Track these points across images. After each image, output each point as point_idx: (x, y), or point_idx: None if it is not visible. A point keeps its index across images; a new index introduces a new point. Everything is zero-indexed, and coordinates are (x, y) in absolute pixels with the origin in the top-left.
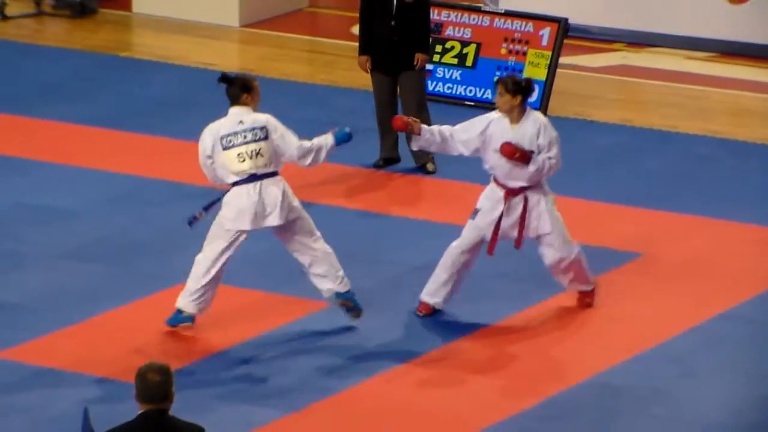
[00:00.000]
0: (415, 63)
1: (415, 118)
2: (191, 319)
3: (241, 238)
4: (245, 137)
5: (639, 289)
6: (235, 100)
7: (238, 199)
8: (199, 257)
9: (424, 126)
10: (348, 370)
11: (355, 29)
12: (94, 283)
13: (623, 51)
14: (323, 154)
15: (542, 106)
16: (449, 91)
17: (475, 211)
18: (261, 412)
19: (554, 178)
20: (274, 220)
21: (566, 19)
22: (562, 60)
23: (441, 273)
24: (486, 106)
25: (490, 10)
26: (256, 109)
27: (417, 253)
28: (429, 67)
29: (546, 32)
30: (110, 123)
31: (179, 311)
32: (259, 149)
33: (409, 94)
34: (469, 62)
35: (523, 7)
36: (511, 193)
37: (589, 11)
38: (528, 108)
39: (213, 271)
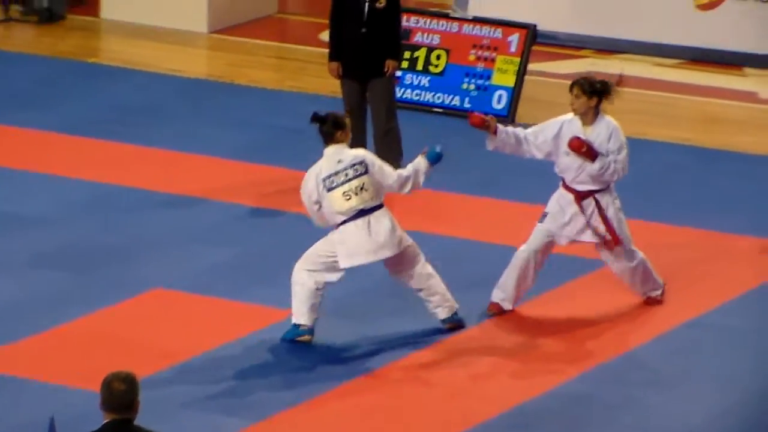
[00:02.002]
0: (385, 70)
1: (492, 116)
2: (310, 331)
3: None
4: (347, 175)
5: (607, 297)
6: (329, 139)
7: (351, 237)
8: (302, 279)
9: (500, 126)
10: (314, 379)
11: (324, 35)
12: (61, 290)
13: (591, 57)
14: (421, 179)
15: (510, 113)
16: (417, 97)
17: (544, 215)
18: (227, 421)
19: (522, 185)
20: (387, 252)
21: (535, 26)
22: (531, 66)
23: (509, 275)
24: (454, 113)
25: (459, 16)
26: (349, 145)
27: (381, 262)
28: (398, 73)
29: (514, 39)
30: (78, 130)
31: (296, 325)
32: (363, 184)
33: (379, 101)
34: (438, 69)
35: (492, 13)
36: (580, 196)
37: (558, 18)
38: (601, 111)
39: (316, 299)
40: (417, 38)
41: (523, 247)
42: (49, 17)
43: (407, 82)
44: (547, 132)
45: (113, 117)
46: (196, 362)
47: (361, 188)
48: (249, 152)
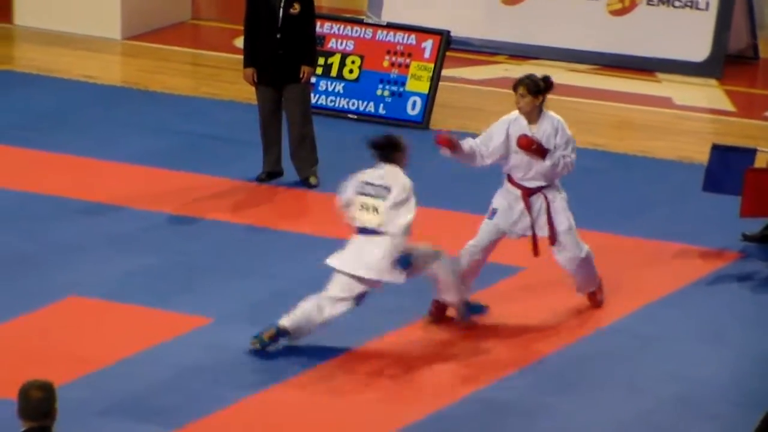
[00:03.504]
0: (300, 76)
1: (453, 136)
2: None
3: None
4: (375, 190)
5: (523, 303)
6: (384, 159)
7: (349, 245)
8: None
9: (462, 142)
10: (232, 386)
11: (238, 42)
12: None
13: (505, 63)
14: (416, 262)
15: (424, 119)
16: (332, 104)
17: (493, 211)
18: (144, 428)
19: (436, 191)
20: (371, 273)
21: (448, 32)
22: (445, 72)
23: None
24: (369, 119)
25: (373, 22)
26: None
27: (303, 266)
28: (312, 80)
29: (428, 45)
30: None
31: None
32: (378, 207)
33: (294, 107)
34: (352, 75)
35: (406, 19)
36: (528, 192)
37: (471, 24)
38: (544, 108)
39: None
40: (331, 44)
41: (471, 242)
42: None
43: (321, 88)
44: (496, 138)
45: (27, 124)
46: (114, 370)
47: (375, 209)
48: (164, 158)
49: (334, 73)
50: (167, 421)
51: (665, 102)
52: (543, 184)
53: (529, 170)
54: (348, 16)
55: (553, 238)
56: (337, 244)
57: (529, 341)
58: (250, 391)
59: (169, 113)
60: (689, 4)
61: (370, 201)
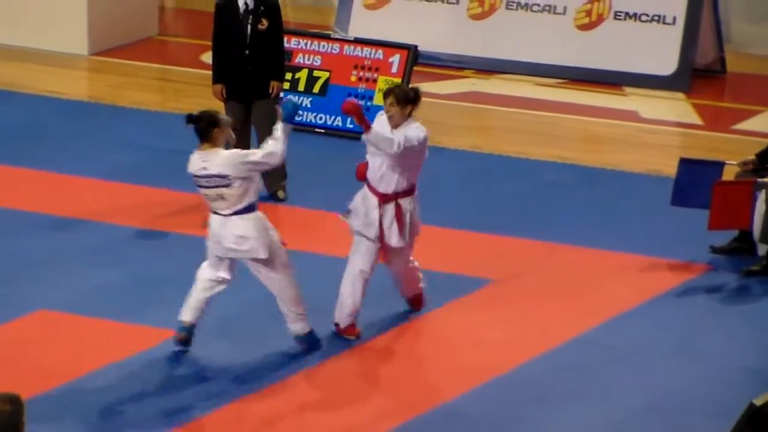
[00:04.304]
0: (270, 91)
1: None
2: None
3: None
4: (209, 182)
5: (491, 315)
6: (204, 137)
7: (211, 226)
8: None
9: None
10: (203, 397)
11: (205, 57)
12: None
13: (473, 78)
14: (285, 144)
15: None
16: (299, 118)
17: (348, 210)
18: None
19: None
20: (233, 253)
21: (416, 47)
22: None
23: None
24: (337, 133)
25: (340, 37)
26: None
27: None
28: (281, 94)
29: (396, 59)
30: None
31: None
32: (222, 195)
33: (264, 122)
34: (319, 89)
35: (373, 34)
36: (383, 199)
37: (439, 39)
38: (411, 118)
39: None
40: (299, 59)
41: (362, 268)
42: None
43: None
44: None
45: None
46: (83, 382)
47: (222, 197)
48: (132, 174)
49: (301, 87)
50: None
51: (632, 115)
52: (398, 190)
53: (381, 173)
54: (315, 31)
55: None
56: (307, 258)
57: (498, 352)
58: (221, 402)
59: (136, 128)
60: (656, 18)
61: (211, 192)
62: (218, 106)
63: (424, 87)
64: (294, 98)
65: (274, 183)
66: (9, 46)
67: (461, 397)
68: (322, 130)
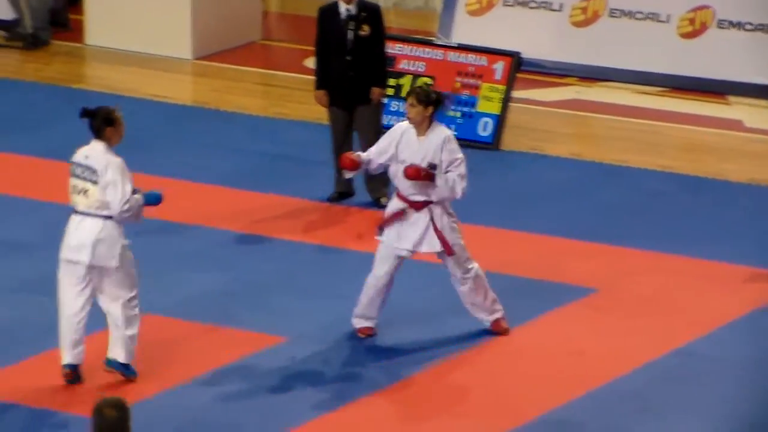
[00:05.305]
0: (371, 97)
1: (358, 153)
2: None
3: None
4: (82, 172)
5: (593, 325)
6: (97, 134)
7: (68, 228)
8: None
9: (362, 155)
10: (306, 405)
11: (309, 62)
12: (46, 317)
13: (576, 85)
14: (137, 212)
15: (495, 140)
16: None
17: (381, 227)
18: None
19: (507, 212)
20: (82, 256)
21: (519, 54)
22: (516, 94)
23: (372, 297)
24: None
25: (444, 43)
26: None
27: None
28: (383, 100)
29: (499, 66)
30: (62, 155)
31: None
32: (87, 189)
33: (366, 129)
34: None
35: (477, 41)
36: (414, 206)
37: (543, 46)
38: (436, 121)
39: None
40: (402, 65)
41: (375, 272)
42: (33, 43)
43: (393, 108)
44: (389, 149)
45: None
46: (187, 388)
47: (85, 192)
48: (235, 178)
49: (404, 94)
50: None
51: (736, 125)
52: (429, 199)
53: (415, 185)
54: (419, 37)
55: (447, 251)
56: (409, 264)
57: (601, 362)
58: (324, 410)
59: (240, 133)
60: (760, 27)
61: (79, 183)
62: (320, 110)
63: (528, 94)
64: (159, 192)
65: (377, 189)
66: (114, 50)
67: (563, 406)
68: None
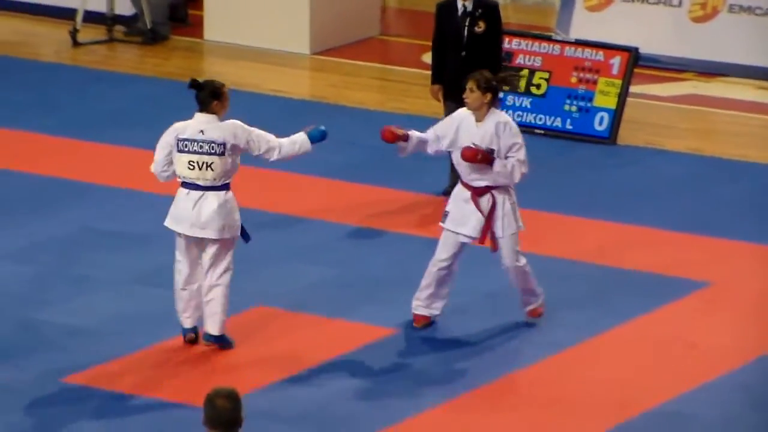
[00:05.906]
0: None
1: (397, 126)
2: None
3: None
4: (201, 147)
5: (708, 318)
6: (203, 107)
7: (180, 203)
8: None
9: (410, 132)
10: (417, 396)
11: (426, 57)
12: (162, 308)
13: (694, 80)
14: (296, 148)
15: (612, 135)
16: (519, 119)
17: (445, 214)
18: None
19: (623, 206)
20: (209, 232)
21: (637, 49)
22: (633, 89)
23: (430, 284)
24: (557, 134)
25: (561, 39)
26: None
27: (485, 280)
28: (499, 95)
29: (616, 61)
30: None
31: None
32: (212, 163)
33: None
34: (540, 91)
35: (594, 36)
36: (477, 192)
37: (660, 41)
38: (494, 109)
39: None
40: (519, 60)
41: (436, 256)
42: (152, 38)
43: (509, 103)
44: (448, 134)
45: None
46: (298, 378)
47: (209, 165)
48: (351, 172)
49: (521, 88)
50: (352, 430)
51: None
52: (491, 184)
53: (474, 169)
54: (536, 32)
55: (482, 241)
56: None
57: (714, 355)
58: (435, 401)
59: (357, 127)
60: None
61: (201, 158)
62: (437, 106)
63: (645, 89)
64: (322, 127)
65: None
66: (233, 45)
67: (676, 398)
68: (542, 131)
